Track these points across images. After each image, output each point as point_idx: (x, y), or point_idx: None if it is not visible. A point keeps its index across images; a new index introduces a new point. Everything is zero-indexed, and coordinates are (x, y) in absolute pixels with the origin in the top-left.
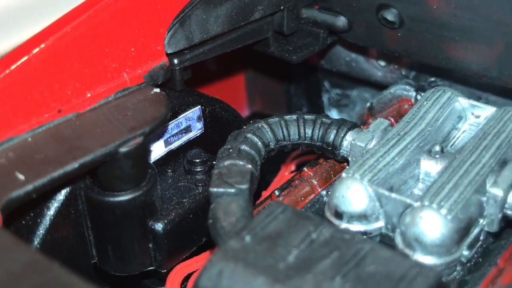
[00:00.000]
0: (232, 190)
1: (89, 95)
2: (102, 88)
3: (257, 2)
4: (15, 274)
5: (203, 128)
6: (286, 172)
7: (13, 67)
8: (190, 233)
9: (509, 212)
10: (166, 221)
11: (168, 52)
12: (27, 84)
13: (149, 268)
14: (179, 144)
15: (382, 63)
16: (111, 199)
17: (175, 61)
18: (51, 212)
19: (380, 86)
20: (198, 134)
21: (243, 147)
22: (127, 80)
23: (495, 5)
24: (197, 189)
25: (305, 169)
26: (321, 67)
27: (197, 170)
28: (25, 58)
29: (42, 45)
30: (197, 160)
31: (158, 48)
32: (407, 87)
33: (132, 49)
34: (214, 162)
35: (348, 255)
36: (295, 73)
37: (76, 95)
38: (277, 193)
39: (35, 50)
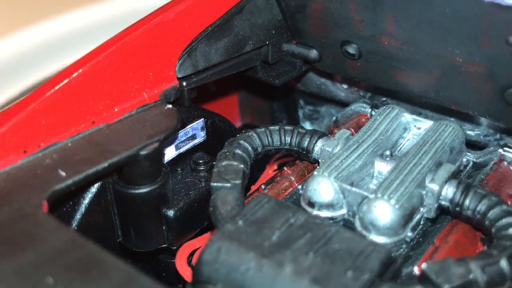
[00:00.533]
0: (228, 185)
1: (116, 109)
2: (127, 104)
3: (248, 38)
4: (59, 249)
5: (206, 136)
6: (270, 171)
7: (57, 87)
8: (195, 218)
9: (443, 202)
10: (176, 208)
11: (179, 76)
12: (68, 100)
13: (163, 246)
14: (186, 148)
15: (345, 86)
16: (133, 191)
17: (184, 83)
18: (86, 201)
19: (343, 104)
20: (201, 141)
21: (237, 151)
22: (146, 98)
23: (432, 42)
24: (200, 183)
25: (285, 168)
26: (297, 89)
27: (201, 169)
28: (67, 80)
29: (80, 70)
30: (201, 161)
31: (171, 73)
32: (364, 105)
33: (150, 74)
34: (214, 163)
35: (318, 236)
36: (277, 94)
37: (106, 109)
38: (263, 187)
39: (75, 74)
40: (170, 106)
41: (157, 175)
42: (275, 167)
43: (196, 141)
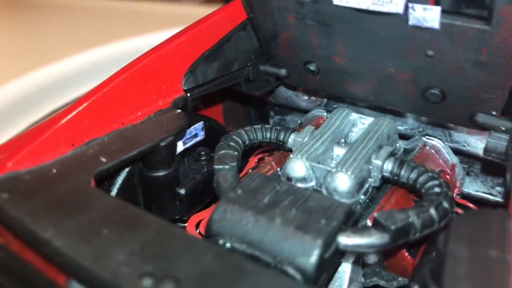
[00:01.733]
0: (227, 166)
1: (139, 113)
2: (147, 109)
3: (234, 61)
4: (108, 210)
5: (204, 135)
6: (252, 162)
7: (96, 96)
8: (201, 195)
9: (385, 173)
10: (186, 187)
11: (184, 89)
12: (105, 106)
13: (177, 217)
14: (191, 144)
15: (306, 97)
16: (154, 174)
17: (188, 94)
18: (119, 181)
19: (305, 112)
20: (201, 139)
21: (231, 143)
22: (161, 105)
23: (371, 58)
24: (203, 169)
25: (266, 157)
26: (269, 102)
27: (203, 159)
28: (104, 90)
29: (113, 84)
30: (202, 153)
31: (179, 86)
32: (321, 110)
33: (164, 87)
34: (212, 154)
35: (298, 197)
36: (253, 106)
37: (132, 113)
38: (250, 171)
39: (109, 87)
40: (179, 110)
41: (171, 162)
42: (256, 160)
43: (198, 139)
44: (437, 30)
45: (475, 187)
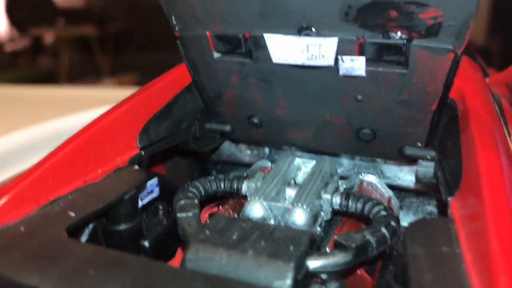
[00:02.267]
0: (190, 214)
1: (99, 171)
2: (106, 167)
3: (183, 120)
4: (90, 255)
5: (159, 192)
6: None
7: (58, 156)
8: (164, 247)
9: (335, 206)
10: (149, 240)
11: (139, 147)
12: (67, 165)
13: None
14: (147, 201)
15: (249, 152)
16: (118, 228)
17: (143, 152)
18: (84, 238)
19: (248, 165)
20: (156, 195)
21: (189, 194)
22: (119, 163)
23: (309, 107)
24: (163, 222)
25: (220, 207)
26: (211, 160)
27: (160, 213)
28: (65, 151)
29: (73, 144)
30: (160, 207)
31: (134, 144)
32: (265, 161)
33: (121, 145)
34: (169, 209)
35: (264, 231)
36: (196, 165)
37: (93, 171)
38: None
39: (69, 147)
40: (137, 167)
41: (134, 215)
42: (207, 214)
43: (153, 195)
44: (364, 77)
45: (407, 219)
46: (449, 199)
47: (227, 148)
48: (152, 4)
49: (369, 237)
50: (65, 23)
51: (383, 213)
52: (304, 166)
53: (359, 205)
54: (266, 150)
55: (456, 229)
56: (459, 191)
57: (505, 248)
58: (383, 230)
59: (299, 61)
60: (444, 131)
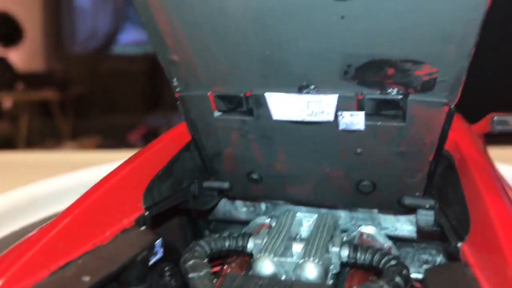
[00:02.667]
0: (202, 273)
1: (108, 233)
2: (114, 229)
3: (183, 179)
4: None
5: (163, 252)
6: None
7: (66, 220)
8: None
9: (343, 259)
10: None
11: (144, 207)
12: (77, 229)
13: None
14: (153, 261)
15: (245, 209)
16: None
17: (147, 212)
18: None
19: (245, 223)
20: (161, 256)
21: (196, 253)
22: (126, 224)
23: (309, 161)
24: (172, 283)
25: (225, 266)
26: (206, 220)
27: (167, 274)
28: (73, 215)
29: (81, 207)
30: (166, 268)
31: (139, 205)
32: (264, 218)
33: (127, 206)
34: (176, 269)
35: (282, 287)
36: (188, 226)
37: (101, 234)
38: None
39: (76, 211)
40: (145, 227)
41: (146, 277)
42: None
43: (158, 256)
44: (363, 131)
45: None
46: (460, 244)
47: (222, 206)
48: (113, 68)
49: (385, 286)
50: (25, 87)
51: (393, 262)
52: (306, 220)
53: (368, 256)
54: (263, 206)
55: (474, 272)
56: (470, 236)
57: None
58: (397, 279)
59: (299, 118)
60: (442, 180)
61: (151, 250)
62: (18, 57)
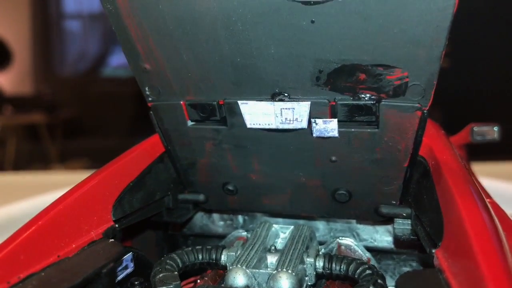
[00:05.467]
0: (171, 286)
1: (74, 246)
2: (81, 241)
3: (156, 191)
4: None
5: (134, 267)
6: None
7: (28, 232)
8: None
9: (318, 270)
10: None
11: (114, 219)
12: (39, 240)
13: None
14: (122, 277)
15: (222, 222)
16: None
17: (117, 225)
18: None
19: (222, 237)
20: (131, 271)
21: (167, 266)
22: (94, 236)
23: (284, 170)
24: None
25: (198, 281)
26: (183, 234)
27: None
28: (36, 225)
29: (46, 218)
30: (136, 283)
31: (109, 217)
32: (240, 231)
33: (95, 218)
34: (146, 284)
35: None
36: (165, 242)
37: (67, 246)
38: None
39: (40, 222)
40: (112, 240)
41: None
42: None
43: (128, 270)
44: (337, 138)
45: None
46: (434, 251)
47: (199, 219)
48: (102, 90)
49: None
50: (12, 110)
51: (368, 271)
52: (281, 232)
53: (344, 267)
54: (240, 219)
55: (446, 278)
56: (443, 242)
57: None
58: (371, 287)
59: (273, 125)
60: (418, 187)
61: (118, 263)
62: (7, 80)
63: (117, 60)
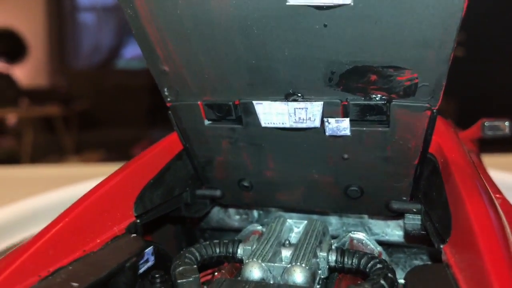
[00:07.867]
0: (191, 279)
1: (98, 241)
2: (104, 236)
3: (175, 187)
4: None
5: (154, 260)
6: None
7: (57, 227)
8: None
9: (331, 264)
10: None
11: (135, 215)
12: (67, 236)
13: None
14: (143, 269)
15: (237, 217)
16: None
17: (138, 220)
18: None
19: (238, 230)
20: (152, 264)
21: (186, 260)
22: (117, 231)
23: (298, 168)
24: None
25: (216, 273)
26: (200, 228)
27: (157, 281)
28: (63, 222)
29: (72, 214)
30: (157, 276)
31: (131, 213)
32: (255, 225)
33: (118, 214)
34: (166, 277)
35: None
36: (184, 236)
37: (92, 241)
38: (205, 287)
39: (67, 219)
40: (135, 234)
41: (135, 284)
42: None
43: (149, 264)
44: (349, 137)
45: (397, 274)
46: (442, 246)
47: (216, 214)
48: (116, 82)
49: None
50: (29, 103)
51: (379, 265)
52: (295, 226)
53: (355, 261)
54: (255, 214)
55: (453, 273)
56: (451, 238)
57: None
58: (382, 281)
59: (286, 125)
60: (427, 184)
61: (140, 257)
62: (22, 73)
63: (131, 52)
